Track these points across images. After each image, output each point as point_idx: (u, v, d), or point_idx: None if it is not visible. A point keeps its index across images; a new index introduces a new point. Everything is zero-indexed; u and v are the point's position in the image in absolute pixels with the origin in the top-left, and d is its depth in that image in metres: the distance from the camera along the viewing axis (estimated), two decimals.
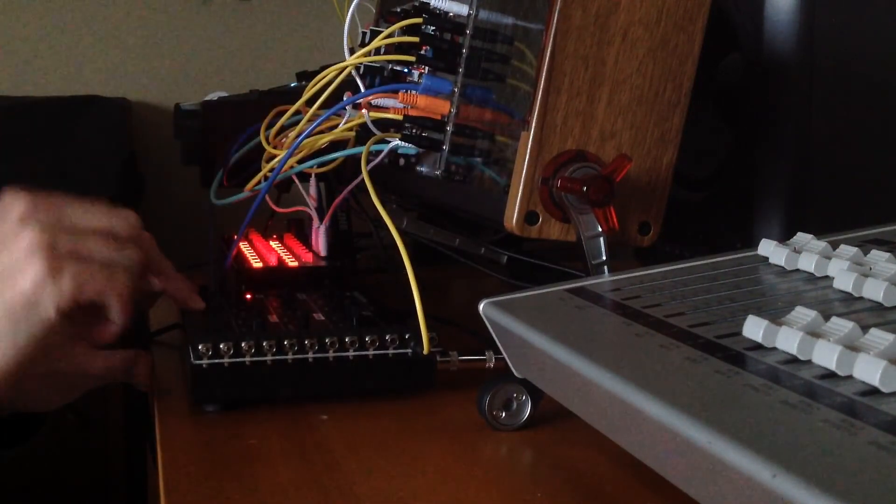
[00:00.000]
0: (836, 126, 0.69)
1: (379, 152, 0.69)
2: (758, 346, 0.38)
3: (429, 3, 0.65)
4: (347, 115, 0.71)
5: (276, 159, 0.71)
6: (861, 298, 0.42)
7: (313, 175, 0.84)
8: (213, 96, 1.11)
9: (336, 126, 0.72)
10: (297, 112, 0.75)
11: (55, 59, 1.99)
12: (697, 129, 0.63)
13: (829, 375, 0.34)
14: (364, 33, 0.76)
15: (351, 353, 0.59)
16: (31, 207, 0.55)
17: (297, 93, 0.87)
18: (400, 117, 0.66)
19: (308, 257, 0.86)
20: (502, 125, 0.62)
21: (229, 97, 1.13)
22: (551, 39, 0.57)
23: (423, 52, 0.66)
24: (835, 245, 0.48)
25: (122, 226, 0.57)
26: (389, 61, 0.70)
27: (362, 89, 0.70)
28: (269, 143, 0.75)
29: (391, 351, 0.59)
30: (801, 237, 0.51)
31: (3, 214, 0.55)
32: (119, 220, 0.57)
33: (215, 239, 0.94)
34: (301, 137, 0.69)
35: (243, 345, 0.57)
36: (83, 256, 0.54)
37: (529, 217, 0.58)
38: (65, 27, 2.00)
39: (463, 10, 0.65)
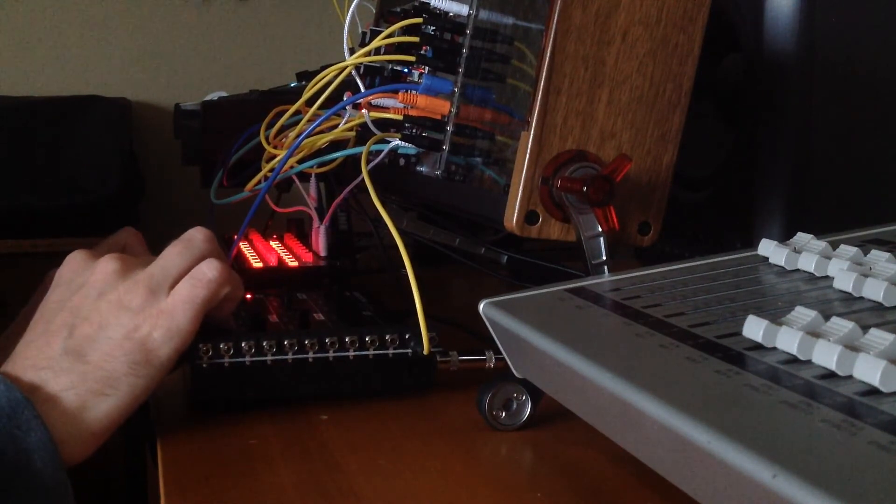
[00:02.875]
0: (836, 126, 0.69)
1: (379, 152, 0.69)
2: (758, 346, 0.38)
3: (429, 3, 0.65)
4: (347, 115, 0.71)
5: (276, 159, 0.71)
6: (861, 298, 0.42)
7: (313, 175, 0.85)
8: (213, 96, 1.11)
9: (336, 126, 0.72)
10: (297, 112, 0.75)
11: (55, 59, 1.99)
12: (697, 129, 0.63)
13: (829, 375, 0.34)
14: (364, 33, 0.76)
15: (351, 353, 0.59)
16: (122, 264, 0.56)
17: (297, 93, 0.87)
18: (400, 117, 0.66)
19: (308, 257, 0.86)
20: (502, 125, 0.62)
21: (229, 97, 1.13)
22: (551, 39, 0.57)
23: (423, 52, 0.65)
24: (835, 245, 0.48)
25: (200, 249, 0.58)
26: (389, 61, 0.70)
27: (362, 89, 0.70)
28: (269, 143, 0.75)
29: (391, 351, 0.59)
30: (801, 237, 0.51)
31: (91, 272, 0.56)
32: (194, 248, 0.58)
33: None
34: (301, 137, 0.69)
35: (243, 345, 0.57)
36: (185, 297, 0.55)
37: (529, 217, 0.58)
38: (65, 27, 1.99)
39: (463, 10, 0.65)
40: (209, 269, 0.55)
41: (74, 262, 0.57)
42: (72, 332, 0.53)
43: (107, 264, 0.56)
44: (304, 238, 0.93)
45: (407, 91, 0.65)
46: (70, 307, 0.54)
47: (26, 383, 0.50)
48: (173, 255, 0.56)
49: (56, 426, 0.49)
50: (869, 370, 0.33)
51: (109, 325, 0.53)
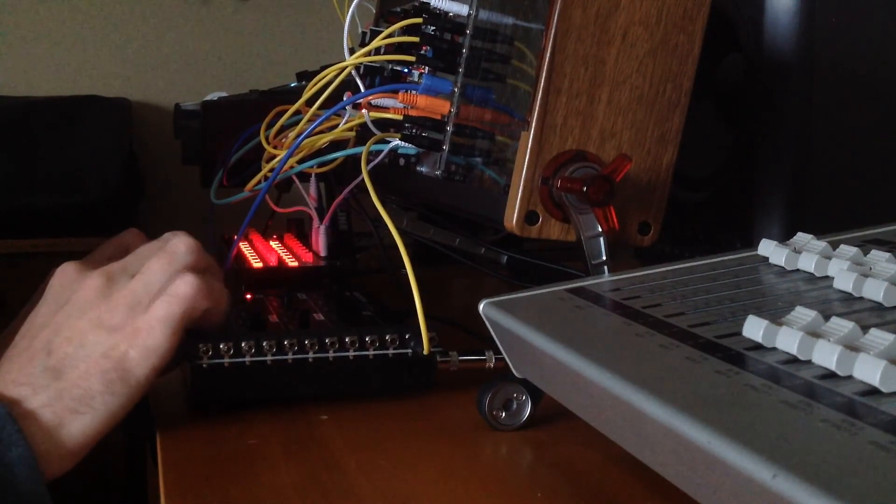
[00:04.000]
0: (836, 126, 0.69)
1: (379, 152, 0.69)
2: (758, 346, 0.38)
3: (429, 3, 0.65)
4: (347, 115, 0.71)
5: (276, 159, 0.71)
6: (861, 298, 0.42)
7: (313, 175, 0.84)
8: (213, 96, 1.11)
9: (336, 126, 0.72)
10: (297, 112, 0.75)
11: (55, 59, 1.99)
12: (697, 129, 0.63)
13: (829, 375, 0.34)
14: (364, 33, 0.76)
15: (351, 353, 0.59)
16: (106, 280, 0.55)
17: (297, 93, 0.87)
18: (400, 117, 0.66)
19: (308, 257, 0.86)
20: (502, 125, 0.62)
21: (229, 97, 1.13)
22: (551, 39, 0.57)
23: (423, 52, 0.66)
24: (835, 245, 0.48)
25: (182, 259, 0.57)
26: (389, 61, 0.70)
27: (362, 89, 0.70)
28: (269, 143, 0.75)
29: (391, 351, 0.59)
30: (801, 237, 0.51)
31: (77, 286, 0.55)
32: (174, 256, 0.56)
33: (215, 239, 0.94)
34: (301, 137, 0.69)
35: (243, 345, 0.57)
36: (162, 316, 0.54)
37: (529, 217, 0.58)
38: (65, 27, 2.00)
39: (463, 10, 0.65)
40: (184, 285, 0.54)
41: (64, 275, 0.57)
42: (52, 350, 0.53)
43: (92, 281, 0.55)
44: (304, 238, 0.93)
45: (407, 91, 0.65)
46: (53, 324, 0.54)
47: (6, 398, 0.50)
48: (156, 270, 0.55)
49: (34, 442, 0.49)
50: (869, 370, 0.33)
51: (87, 343, 0.53)
